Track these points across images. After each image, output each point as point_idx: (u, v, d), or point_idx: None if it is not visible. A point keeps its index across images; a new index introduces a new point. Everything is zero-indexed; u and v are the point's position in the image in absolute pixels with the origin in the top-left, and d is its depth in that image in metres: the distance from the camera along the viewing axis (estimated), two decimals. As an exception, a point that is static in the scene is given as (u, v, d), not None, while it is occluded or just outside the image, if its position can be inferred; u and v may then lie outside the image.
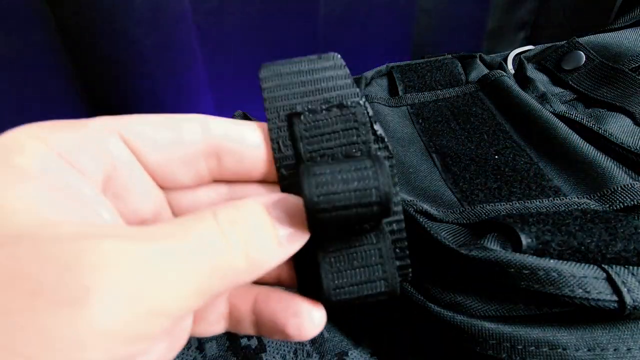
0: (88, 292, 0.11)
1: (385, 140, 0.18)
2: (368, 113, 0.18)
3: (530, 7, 0.48)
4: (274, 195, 0.15)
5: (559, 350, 0.18)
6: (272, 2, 0.39)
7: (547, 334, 0.19)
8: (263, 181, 0.17)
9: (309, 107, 0.18)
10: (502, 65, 0.37)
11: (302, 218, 0.15)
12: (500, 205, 0.24)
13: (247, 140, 0.17)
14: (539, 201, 0.24)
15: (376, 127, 0.18)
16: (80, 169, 0.14)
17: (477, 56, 0.38)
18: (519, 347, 0.19)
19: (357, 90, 0.18)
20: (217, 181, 0.17)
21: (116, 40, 0.33)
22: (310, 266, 0.17)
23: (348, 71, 0.18)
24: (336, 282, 0.16)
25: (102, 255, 0.11)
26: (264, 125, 0.17)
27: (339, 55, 0.18)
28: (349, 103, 0.18)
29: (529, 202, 0.24)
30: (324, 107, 0.18)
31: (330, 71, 0.18)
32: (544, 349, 0.19)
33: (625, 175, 0.24)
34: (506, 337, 0.19)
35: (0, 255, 0.11)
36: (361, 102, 0.18)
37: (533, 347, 0.19)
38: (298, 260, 0.17)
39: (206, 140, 0.16)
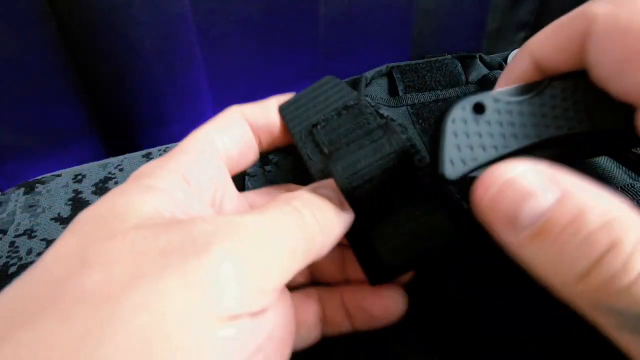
0: (209, 244, 0.14)
1: (396, 120, 0.20)
2: (370, 104, 0.21)
3: (530, 8, 0.48)
4: (321, 182, 0.19)
5: None
6: (272, 2, 0.39)
7: None
8: (289, 146, 0.23)
9: (322, 117, 0.21)
10: (502, 66, 0.37)
11: None
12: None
13: (270, 117, 0.22)
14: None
15: (382, 111, 0.20)
16: (196, 187, 0.18)
17: (477, 56, 0.38)
18: None
19: (356, 93, 0.22)
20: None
21: (116, 40, 0.33)
22: (365, 243, 0.19)
23: (344, 82, 0.22)
24: (389, 245, 0.18)
25: (216, 224, 0.15)
26: (278, 98, 0.22)
27: (331, 76, 0.23)
28: (352, 103, 0.21)
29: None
30: (333, 113, 0.21)
31: (329, 88, 0.22)
32: None
33: (625, 176, 0.24)
34: None
35: (127, 236, 0.14)
36: (362, 98, 0.21)
37: None
38: (355, 246, 0.20)
39: (250, 125, 0.22)
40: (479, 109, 0.16)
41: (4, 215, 0.30)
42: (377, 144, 0.18)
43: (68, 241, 0.14)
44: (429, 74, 0.37)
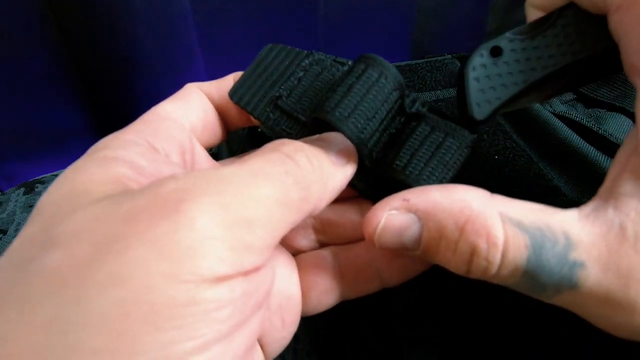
0: (181, 202, 0.12)
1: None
2: (326, 56, 0.20)
3: (530, 7, 0.48)
4: (312, 137, 0.18)
5: None
6: (272, 2, 0.39)
7: None
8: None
9: (282, 88, 0.20)
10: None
11: (345, 145, 0.17)
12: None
13: (223, 92, 0.21)
14: (539, 201, 0.24)
15: (341, 59, 0.20)
16: (163, 152, 0.17)
17: (477, 56, 0.38)
18: None
19: (305, 51, 0.20)
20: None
21: (116, 40, 0.33)
22: (392, 186, 0.18)
23: (288, 46, 0.21)
24: (421, 179, 0.17)
25: (188, 180, 0.13)
26: (236, 74, 0.21)
27: (272, 44, 0.21)
28: (307, 62, 0.20)
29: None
30: (293, 79, 0.20)
31: (275, 57, 0.20)
32: None
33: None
34: None
35: (88, 210, 0.13)
36: (315, 54, 0.20)
37: None
38: (379, 194, 0.18)
39: (213, 103, 0.21)
40: (496, 52, 0.17)
41: (4, 215, 0.30)
42: (365, 76, 0.17)
43: (31, 228, 0.13)
44: (429, 74, 0.37)
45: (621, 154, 0.15)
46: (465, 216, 0.14)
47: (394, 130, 0.18)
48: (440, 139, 0.17)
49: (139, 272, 0.11)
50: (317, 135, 0.18)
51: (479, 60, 0.17)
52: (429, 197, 0.15)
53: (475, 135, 0.18)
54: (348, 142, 0.17)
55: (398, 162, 0.17)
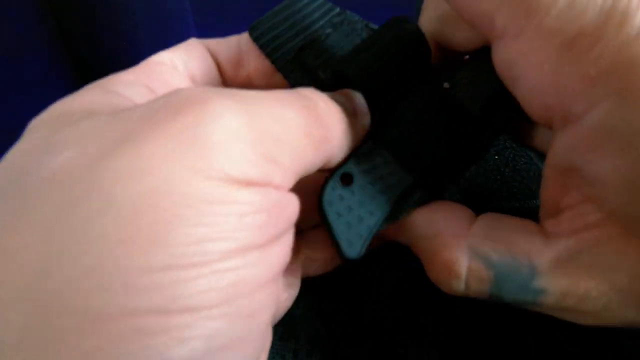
0: (208, 99, 0.11)
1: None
2: (359, 18, 0.19)
3: (530, 7, 0.48)
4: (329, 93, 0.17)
5: None
6: (272, 2, 0.39)
7: None
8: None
9: (307, 39, 0.18)
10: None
11: (362, 102, 0.16)
12: (500, 205, 0.24)
13: (229, 50, 0.19)
14: (539, 201, 0.24)
15: (374, 26, 0.20)
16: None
17: (477, 56, 0.38)
18: None
19: (338, 8, 0.19)
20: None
21: (116, 40, 0.33)
22: None
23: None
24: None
25: (204, 88, 0.12)
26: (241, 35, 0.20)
27: None
28: (338, 20, 0.19)
29: (529, 202, 0.24)
30: (320, 33, 0.19)
31: (306, 5, 0.19)
32: None
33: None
34: None
35: (97, 118, 0.11)
36: (348, 13, 0.20)
37: None
38: None
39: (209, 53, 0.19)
40: (347, 180, 0.16)
41: (4, 215, 0.30)
42: (392, 35, 0.16)
43: (27, 140, 0.12)
44: (429, 74, 0.37)
45: (551, 169, 0.15)
46: (436, 247, 0.16)
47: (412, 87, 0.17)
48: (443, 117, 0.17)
49: (162, 164, 0.10)
50: (336, 92, 0.17)
51: (334, 193, 0.15)
52: (412, 220, 0.16)
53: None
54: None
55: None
